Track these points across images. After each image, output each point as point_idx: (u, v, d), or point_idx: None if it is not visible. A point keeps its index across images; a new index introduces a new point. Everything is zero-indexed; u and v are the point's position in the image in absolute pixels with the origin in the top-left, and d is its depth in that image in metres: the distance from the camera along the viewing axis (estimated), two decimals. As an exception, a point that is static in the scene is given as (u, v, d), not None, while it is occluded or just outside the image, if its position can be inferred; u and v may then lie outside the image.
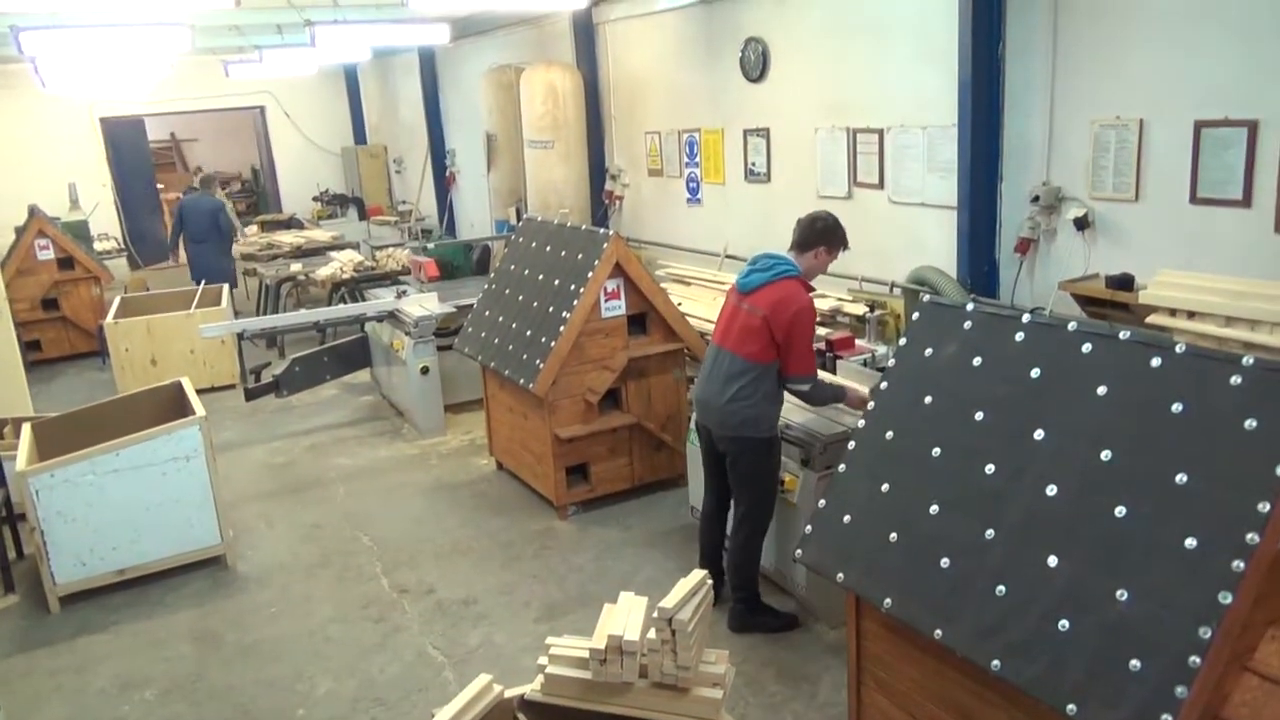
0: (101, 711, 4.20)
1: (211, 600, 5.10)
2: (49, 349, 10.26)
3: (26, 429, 5.43)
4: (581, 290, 5.49)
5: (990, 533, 2.83)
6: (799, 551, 3.40)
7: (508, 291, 6.23)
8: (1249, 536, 2.31)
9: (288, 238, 12.45)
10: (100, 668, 4.54)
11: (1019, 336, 3.07)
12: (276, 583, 5.26)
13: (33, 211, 10.51)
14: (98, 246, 12.86)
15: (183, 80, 14.79)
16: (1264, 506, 2.31)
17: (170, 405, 5.78)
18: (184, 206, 11.21)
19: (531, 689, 3.25)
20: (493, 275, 6.75)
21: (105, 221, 14.56)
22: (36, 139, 14.31)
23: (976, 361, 3.15)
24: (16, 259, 9.96)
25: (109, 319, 8.72)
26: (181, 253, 11.70)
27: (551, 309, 5.66)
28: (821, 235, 4.28)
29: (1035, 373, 2.96)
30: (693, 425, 4.85)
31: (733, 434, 4.28)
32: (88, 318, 10.33)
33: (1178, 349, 2.68)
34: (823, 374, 4.53)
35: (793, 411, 4.63)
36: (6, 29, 7.90)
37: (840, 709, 3.75)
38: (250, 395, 7.53)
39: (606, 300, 5.61)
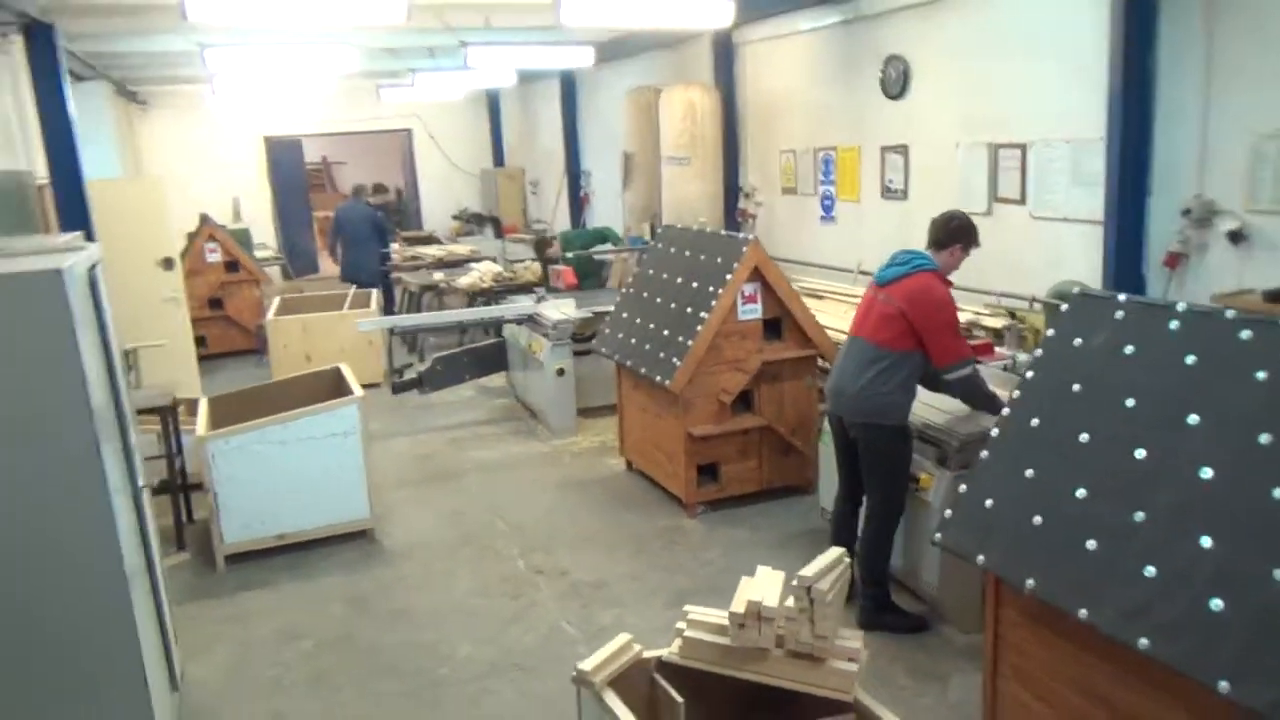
0: (263, 656, 4.53)
1: (361, 569, 5.42)
2: (213, 345, 11.03)
3: (204, 402, 5.91)
4: (720, 292, 5.64)
5: (1140, 515, 2.82)
6: (938, 535, 3.43)
7: (646, 294, 6.43)
8: None
9: (430, 250, 13.05)
10: (261, 620, 4.89)
11: (1173, 325, 3.06)
12: (419, 557, 5.55)
13: (204, 219, 11.38)
14: (258, 254, 13.74)
15: (339, 103, 15.75)
16: None
17: (329, 389, 6.18)
18: (339, 213, 11.93)
19: (669, 651, 3.38)
20: (631, 279, 6.97)
21: (263, 234, 15.55)
22: (206, 155, 15.46)
23: (1129, 350, 3.15)
24: (189, 260, 10.75)
25: (269, 317, 9.34)
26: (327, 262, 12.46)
27: (689, 310, 5.82)
28: (956, 233, 4.44)
29: (1190, 360, 2.95)
30: (825, 423, 4.91)
31: (865, 420, 4.39)
32: (249, 317, 11.08)
33: (1344, 334, 2.64)
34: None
35: (929, 411, 4.65)
36: (195, 46, 8.66)
37: (971, 709, 3.74)
38: (396, 389, 7.95)
39: (744, 303, 5.74)
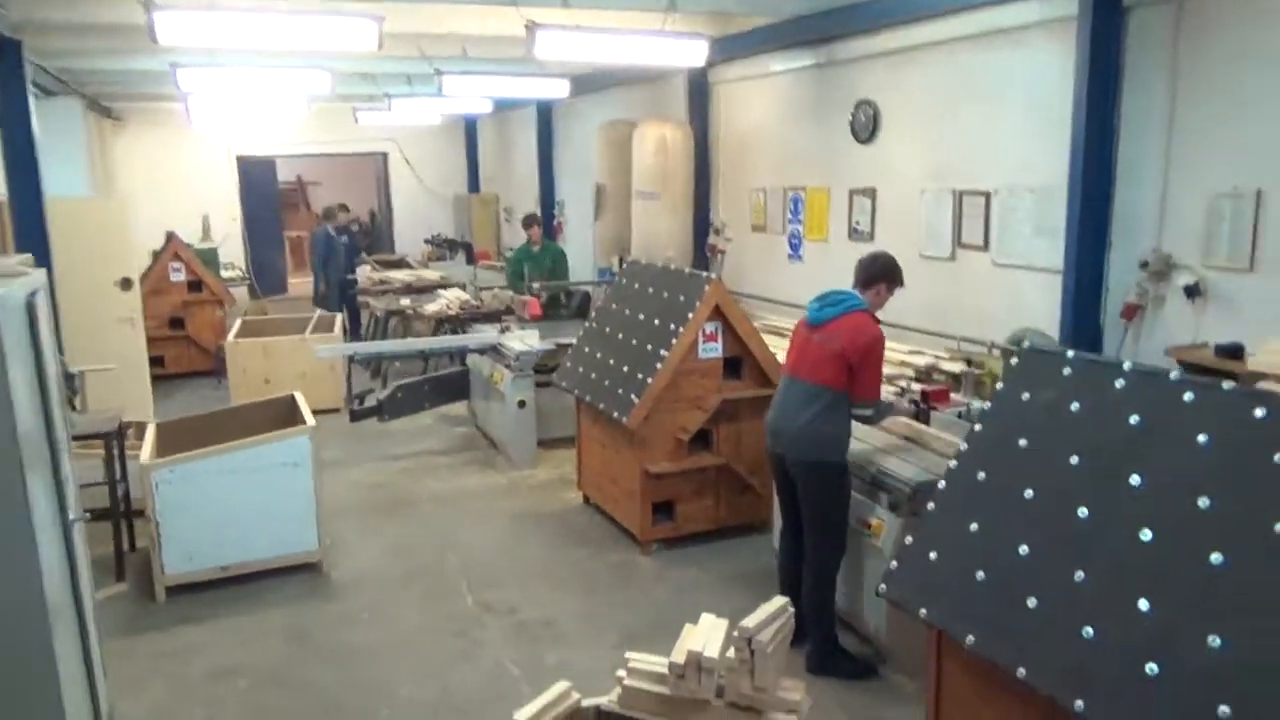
0: (198, 694, 4.40)
1: (306, 602, 5.30)
2: (171, 365, 10.87)
3: (151, 428, 5.79)
4: (681, 330, 5.62)
5: (1080, 574, 2.80)
6: (883, 587, 3.40)
7: (608, 330, 6.40)
8: (1352, 587, 2.25)
9: (399, 275, 12.96)
10: (199, 655, 4.76)
11: (1119, 384, 3.06)
12: (367, 592, 5.44)
13: (170, 237, 11.26)
14: (224, 274, 13.62)
15: (314, 124, 15.70)
16: (1369, 557, 2.25)
17: (282, 417, 6.08)
18: (317, 236, 11.90)
19: (609, 699, 3.31)
20: (594, 314, 6.94)
21: (232, 252, 15.42)
22: (178, 172, 15.35)
23: (1074, 407, 3.15)
24: (151, 279, 10.64)
25: (229, 339, 9.22)
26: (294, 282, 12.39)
27: (650, 347, 5.79)
28: (882, 272, 4.56)
29: (1134, 419, 2.94)
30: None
31: (806, 458, 4.42)
32: (209, 338, 10.94)
33: (1283, 399, 2.64)
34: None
35: (882, 456, 4.63)
36: (166, 66, 8.60)
37: (916, 758, 3.69)
38: (355, 417, 7.86)
39: (704, 342, 5.72)
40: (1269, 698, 2.25)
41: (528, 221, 10.47)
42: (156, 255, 11.13)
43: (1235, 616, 2.42)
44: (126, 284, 7.95)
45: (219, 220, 15.56)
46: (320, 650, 4.80)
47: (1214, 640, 2.42)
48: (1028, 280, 6.46)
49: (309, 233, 21.78)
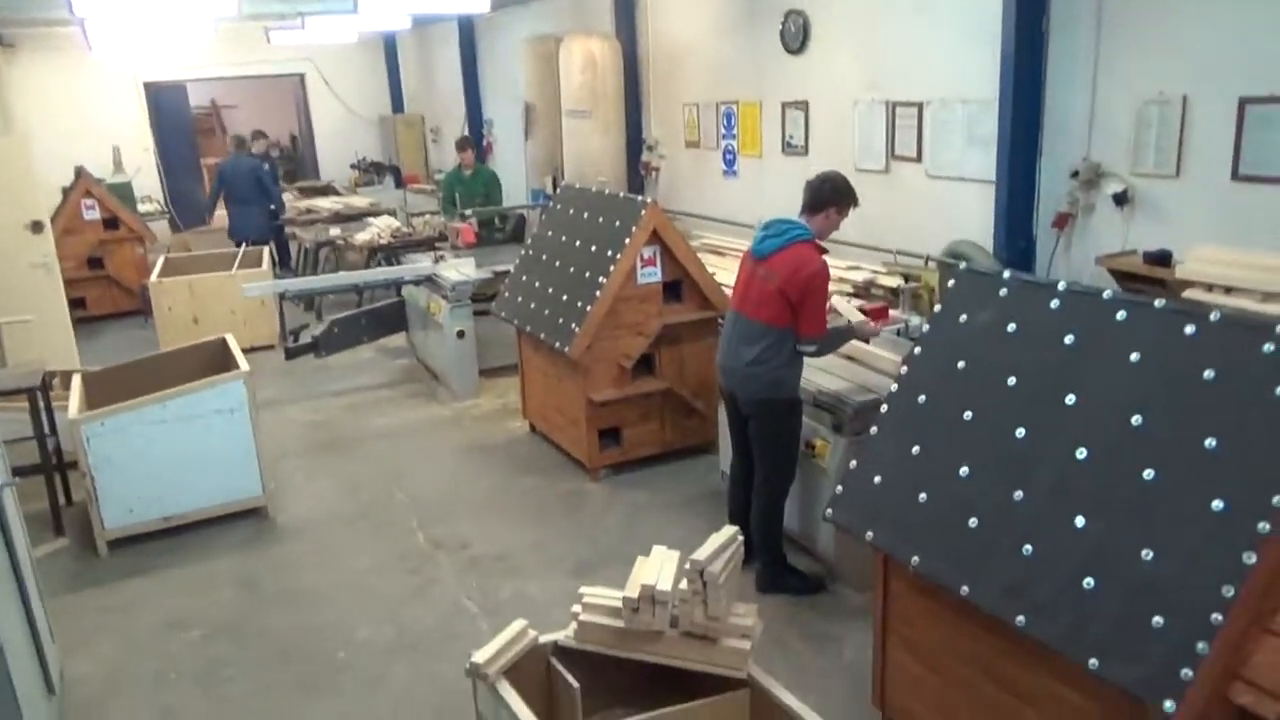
0: (150, 648, 4.37)
1: (253, 549, 5.25)
2: (93, 306, 10.49)
3: (77, 379, 5.60)
4: (618, 256, 5.56)
5: (1019, 494, 2.88)
6: (829, 511, 3.47)
7: (545, 257, 6.31)
8: (1276, 500, 2.35)
9: (326, 203, 12.59)
10: (147, 608, 4.71)
11: (1054, 304, 3.11)
12: (315, 534, 5.41)
13: (79, 172, 10.73)
14: (141, 209, 13.07)
15: (224, 46, 14.94)
16: (1292, 470, 2.34)
17: (215, 361, 5.93)
18: (224, 169, 11.40)
19: (565, 635, 3.36)
20: (530, 241, 6.83)
21: (147, 185, 14.76)
22: (82, 102, 14.51)
23: (1011, 328, 3.19)
24: (64, 218, 10.16)
25: (153, 278, 8.91)
26: (220, 214, 11.92)
27: (588, 274, 5.73)
28: (832, 196, 4.29)
29: (1069, 340, 3.00)
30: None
31: (755, 396, 4.37)
32: (131, 277, 10.55)
33: (1211, 317, 2.71)
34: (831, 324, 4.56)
35: (824, 377, 4.69)
36: (58, -10, 8.05)
37: (864, 668, 3.82)
38: (290, 354, 7.69)
39: (643, 267, 5.68)
40: (1198, 607, 2.36)
41: (461, 144, 10.18)
42: (66, 193, 10.61)
43: (1166, 530, 2.52)
44: (37, 227, 7.56)
45: (130, 152, 14.79)
46: (271, 596, 4.78)
47: (1147, 554, 2.52)
48: (961, 192, 6.51)
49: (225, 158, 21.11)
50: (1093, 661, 2.50)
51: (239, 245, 10.48)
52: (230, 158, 11.69)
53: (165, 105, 15.74)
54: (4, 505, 3.64)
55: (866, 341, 4.73)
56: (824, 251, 4.32)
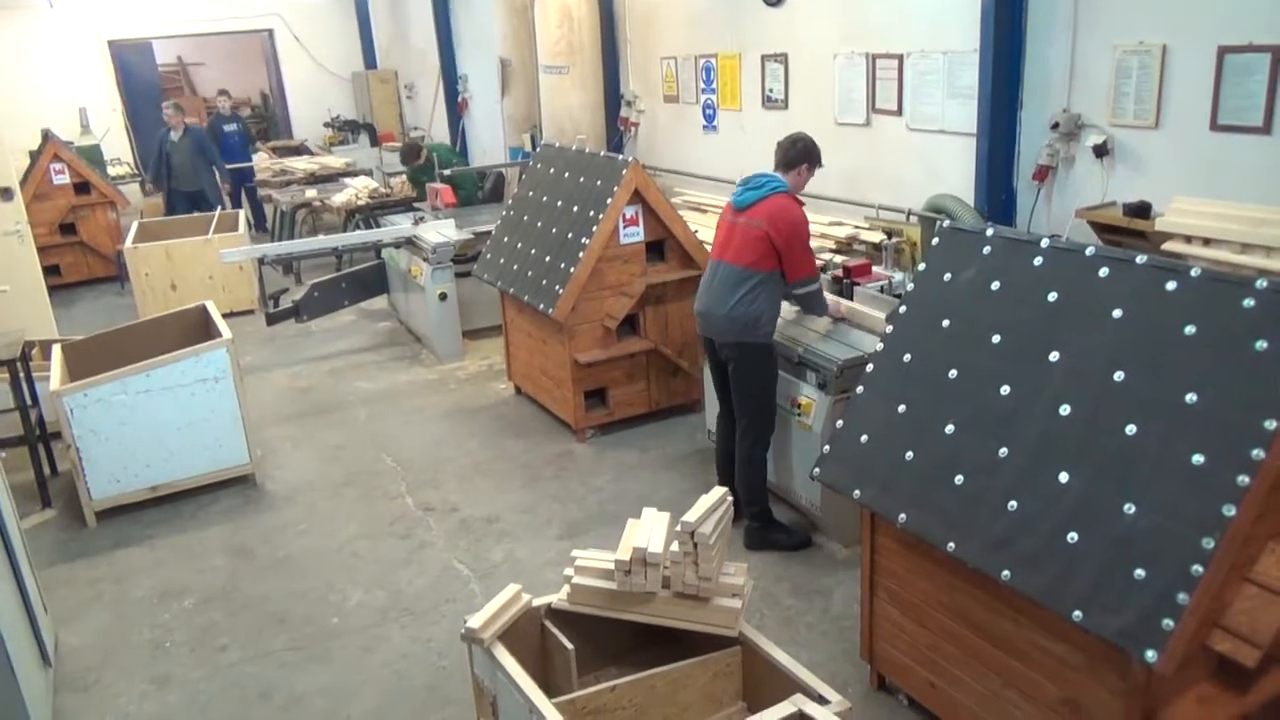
0: (142, 618, 4.39)
1: (242, 516, 5.27)
2: (68, 274, 10.36)
3: (57, 350, 5.55)
4: (600, 217, 5.54)
5: (1004, 451, 2.92)
6: (817, 470, 3.51)
7: (526, 218, 6.27)
8: (1254, 453, 2.39)
9: (300, 164, 12.42)
10: (138, 578, 4.72)
11: (1037, 261, 3.13)
12: (304, 501, 5.42)
13: (47, 136, 10.52)
14: (111, 171, 12.85)
15: (190, 2, 14.61)
16: (1271, 424, 2.39)
17: (196, 329, 5.90)
18: (162, 142, 10.68)
19: (558, 598, 3.40)
20: (510, 202, 6.78)
21: (117, 146, 14.50)
22: (46, 62, 14.18)
23: (994, 286, 3.22)
24: (33, 183, 9.97)
25: (128, 244, 8.79)
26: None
27: (570, 235, 5.71)
28: (803, 154, 4.56)
29: (1052, 296, 3.03)
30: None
31: (735, 339, 4.49)
32: (105, 242, 10.41)
33: (1192, 273, 2.74)
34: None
35: (809, 335, 4.72)
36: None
37: (852, 621, 3.90)
38: (271, 320, 7.65)
39: (625, 227, 5.66)
40: (1178, 559, 2.42)
41: (406, 154, 9.71)
42: (34, 157, 10.40)
43: (1148, 484, 2.57)
44: (6, 194, 7.41)
45: (98, 113, 14.51)
46: (263, 563, 4.80)
47: (1129, 508, 2.57)
48: (943, 144, 6.49)
49: (195, 118, 20.67)
50: (1076, 614, 2.56)
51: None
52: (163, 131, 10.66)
53: (131, 64, 15.42)
54: (-10, 480, 3.63)
55: (836, 316, 4.83)
56: (800, 203, 4.51)
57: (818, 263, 5.34)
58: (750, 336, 4.46)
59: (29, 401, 5.37)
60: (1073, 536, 2.65)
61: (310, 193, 10.84)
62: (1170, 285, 2.76)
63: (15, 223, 7.37)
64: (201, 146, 10.75)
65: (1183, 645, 2.39)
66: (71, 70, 14.38)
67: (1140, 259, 2.89)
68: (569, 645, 3.23)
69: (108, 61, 14.91)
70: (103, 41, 14.78)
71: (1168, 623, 2.39)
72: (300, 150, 14.05)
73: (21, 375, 5.33)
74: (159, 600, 4.53)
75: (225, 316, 5.95)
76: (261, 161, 12.86)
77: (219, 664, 4.04)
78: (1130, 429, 2.66)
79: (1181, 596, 2.38)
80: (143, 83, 15.79)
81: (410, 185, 10.00)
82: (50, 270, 9.86)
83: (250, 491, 5.52)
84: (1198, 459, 2.49)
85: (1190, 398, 2.57)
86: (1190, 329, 2.66)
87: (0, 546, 3.63)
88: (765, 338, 4.50)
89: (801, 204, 4.51)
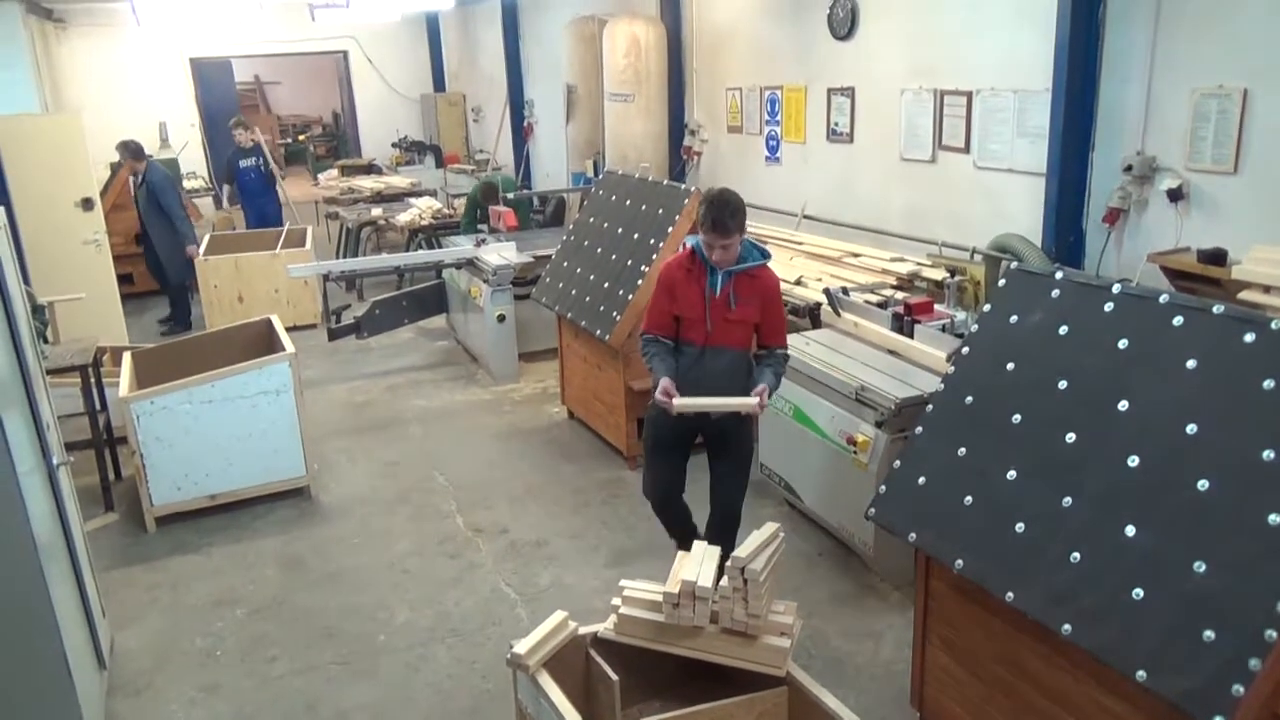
0: (196, 625, 4.46)
1: (296, 528, 5.34)
2: (140, 283, 10.64)
3: (127, 358, 5.70)
4: (661, 245, 5.54)
5: (1068, 500, 2.85)
6: (872, 510, 3.45)
7: (586, 243, 6.31)
8: (1336, 516, 2.30)
9: (368, 183, 12.68)
10: (194, 585, 4.80)
11: (1108, 307, 3.05)
12: (357, 515, 5.48)
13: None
14: (187, 185, 13.23)
15: (269, 23, 15.06)
16: (1354, 486, 2.29)
17: (260, 341, 6.02)
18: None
19: (604, 628, 3.39)
20: (571, 227, 6.83)
21: (193, 160, 14.96)
22: (130, 78, 14.72)
23: (1063, 330, 3.14)
24: (112, 194, 10.29)
25: (200, 255, 9.02)
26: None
27: (630, 262, 5.72)
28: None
29: (1123, 344, 2.95)
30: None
31: None
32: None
33: (1272, 325, 2.65)
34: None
35: (866, 371, 4.66)
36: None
37: (903, 666, 3.81)
38: (333, 335, 7.78)
39: (685, 255, 5.65)
40: (1251, 623, 2.32)
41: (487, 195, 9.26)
42: (114, 169, 10.75)
43: (1220, 543, 2.48)
44: (88, 204, 7.70)
45: (177, 127, 15.03)
46: (314, 576, 4.86)
47: (1199, 566, 2.48)
48: (1010, 184, 6.39)
49: (268, 135, 21.17)
50: (1141, 673, 2.47)
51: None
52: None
53: (210, 81, 15.93)
54: (59, 483, 3.73)
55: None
56: (693, 266, 4.10)
57: (874, 298, 5.27)
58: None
59: (98, 407, 5.51)
60: (1138, 593, 2.56)
61: (375, 211, 11.04)
62: (1249, 337, 2.68)
63: (94, 232, 7.65)
64: (158, 195, 9.03)
65: (1253, 713, 2.29)
66: (154, 86, 14.91)
67: (1217, 308, 2.81)
68: (614, 676, 3.20)
69: (189, 78, 15.42)
70: (185, 59, 15.29)
71: (1238, 688, 2.29)
72: (370, 169, 14.34)
73: (92, 381, 5.48)
74: (212, 608, 4.60)
75: (289, 330, 6.07)
76: (330, 180, 13.15)
77: (268, 675, 4.08)
78: (1203, 484, 2.57)
79: (1254, 662, 2.29)
80: (221, 99, 16.30)
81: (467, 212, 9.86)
82: (124, 279, 10.17)
83: (305, 503, 5.59)
84: (1274, 519, 2.40)
85: (1268, 454, 2.48)
86: (1269, 383, 2.56)
87: (64, 549, 3.72)
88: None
89: (697, 258, 4.09)
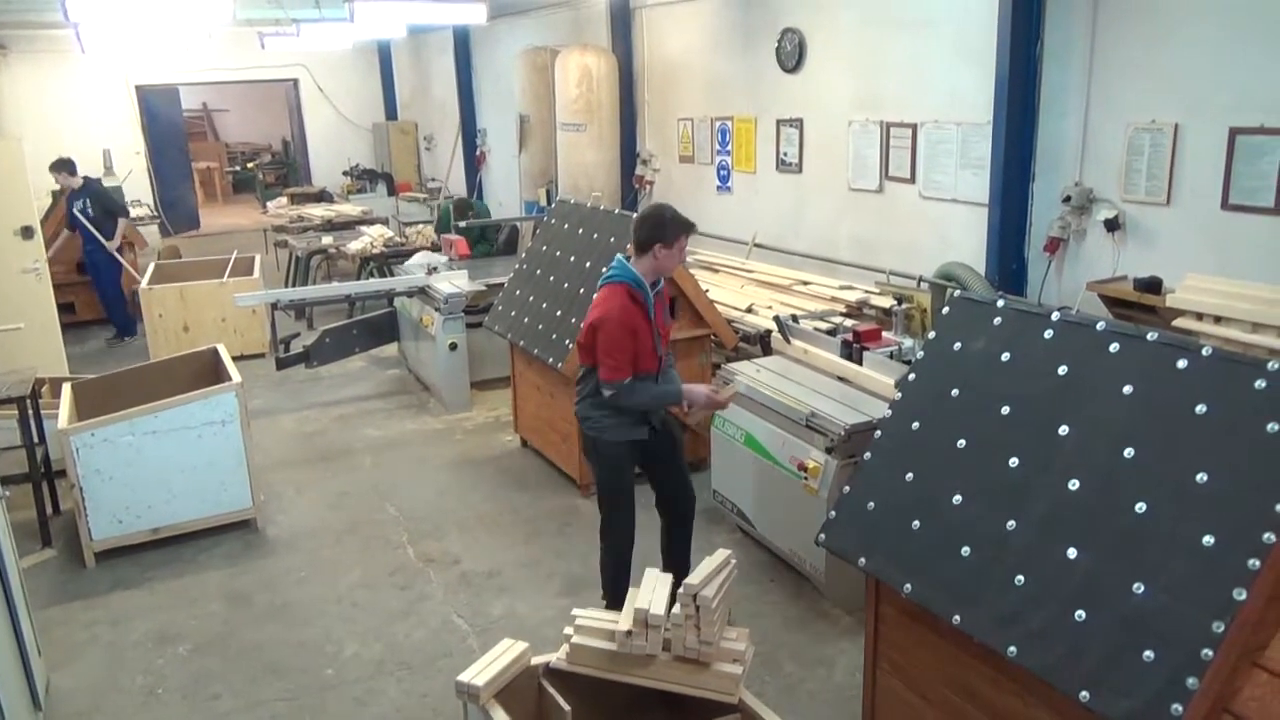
0: (136, 663, 4.34)
1: (242, 561, 5.23)
2: (83, 311, 10.42)
3: (67, 389, 5.57)
4: (612, 273, 5.56)
5: (1012, 524, 2.90)
6: (822, 536, 3.47)
7: (539, 272, 6.32)
8: (1266, 536, 2.36)
9: (318, 210, 12.58)
10: (135, 621, 4.68)
11: (1048, 334, 3.13)
12: (305, 547, 5.39)
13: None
14: (132, 212, 13.00)
15: (218, 51, 14.94)
16: (1282, 508, 2.37)
17: (205, 371, 5.92)
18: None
19: (557, 657, 3.36)
20: (524, 255, 6.84)
21: (138, 189, 14.73)
22: (73, 105, 14.49)
23: (1005, 357, 3.21)
24: (54, 222, 10.09)
25: (143, 284, 8.87)
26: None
27: (582, 290, 5.74)
28: (652, 234, 4.05)
29: (1062, 370, 3.02)
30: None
31: (586, 433, 4.44)
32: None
33: (1204, 351, 2.73)
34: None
35: (815, 398, 4.71)
36: (53, -6, 8.03)
37: (855, 691, 3.83)
38: (281, 364, 7.67)
39: (636, 284, 5.67)
40: (1188, 642, 2.38)
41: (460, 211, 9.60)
42: (56, 196, 10.55)
43: (1157, 564, 2.53)
44: (27, 232, 7.53)
45: (121, 155, 14.80)
46: (260, 610, 4.76)
47: (1138, 587, 2.53)
48: (955, 213, 6.55)
49: (216, 163, 20.90)
50: (1084, 694, 2.51)
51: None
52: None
53: (157, 109, 15.73)
54: (-7, 519, 3.63)
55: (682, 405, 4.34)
56: (653, 287, 4.09)
57: (824, 325, 5.33)
58: (593, 431, 4.24)
59: (36, 439, 5.37)
60: (1080, 614, 2.61)
61: (326, 239, 10.95)
62: (1181, 363, 2.76)
63: (34, 260, 7.47)
64: (104, 200, 9.17)
65: (1192, 731, 2.34)
66: (98, 113, 14.69)
67: (1151, 335, 2.89)
68: (565, 706, 3.18)
69: (134, 105, 15.22)
70: (131, 86, 15.10)
71: (1176, 708, 2.34)
72: (320, 197, 14.23)
73: (30, 413, 5.34)
74: (154, 645, 4.48)
75: (236, 359, 5.98)
76: (278, 208, 13.02)
77: (211, 713, 3.98)
78: (1140, 507, 2.63)
79: (1191, 681, 2.34)
80: (167, 127, 16.10)
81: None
82: (65, 308, 9.93)
83: (251, 536, 5.49)
84: (1208, 540, 2.46)
85: (1201, 477, 2.55)
86: (1201, 408, 2.64)
87: (-1, 590, 3.61)
88: (604, 434, 4.20)
89: (653, 287, 4.07)
